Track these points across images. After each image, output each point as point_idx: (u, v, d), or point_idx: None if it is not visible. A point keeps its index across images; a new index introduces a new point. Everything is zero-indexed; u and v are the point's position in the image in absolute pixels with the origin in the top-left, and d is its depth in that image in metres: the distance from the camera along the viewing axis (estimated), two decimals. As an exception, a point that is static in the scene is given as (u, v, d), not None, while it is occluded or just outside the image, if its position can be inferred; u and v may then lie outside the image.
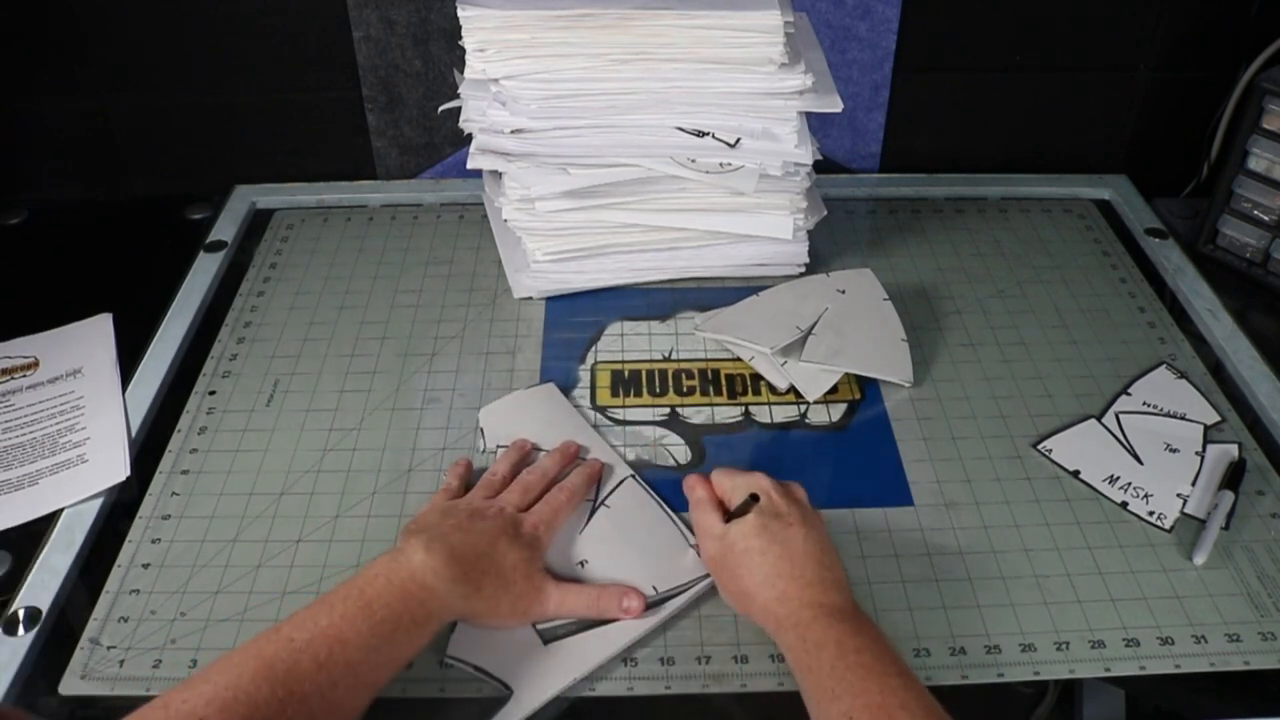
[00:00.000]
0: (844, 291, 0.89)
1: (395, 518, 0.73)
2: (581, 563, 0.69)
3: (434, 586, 0.60)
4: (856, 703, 0.54)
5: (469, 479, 0.74)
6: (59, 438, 0.79)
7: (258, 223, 1.05)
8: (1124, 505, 0.74)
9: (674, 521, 0.72)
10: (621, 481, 0.75)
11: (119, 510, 0.75)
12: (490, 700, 0.62)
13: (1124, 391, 0.83)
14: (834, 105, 0.84)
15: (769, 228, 0.91)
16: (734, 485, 0.68)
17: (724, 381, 0.85)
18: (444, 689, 0.63)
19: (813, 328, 0.85)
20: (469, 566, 0.62)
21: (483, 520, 0.66)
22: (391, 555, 0.61)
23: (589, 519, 0.72)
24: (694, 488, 0.70)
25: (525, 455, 0.76)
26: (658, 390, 0.84)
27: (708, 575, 0.67)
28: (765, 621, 0.62)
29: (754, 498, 0.66)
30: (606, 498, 0.74)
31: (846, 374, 0.84)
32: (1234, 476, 0.75)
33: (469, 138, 0.88)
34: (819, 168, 0.90)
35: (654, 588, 0.67)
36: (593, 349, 0.88)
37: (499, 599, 0.63)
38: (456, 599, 0.61)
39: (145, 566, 0.70)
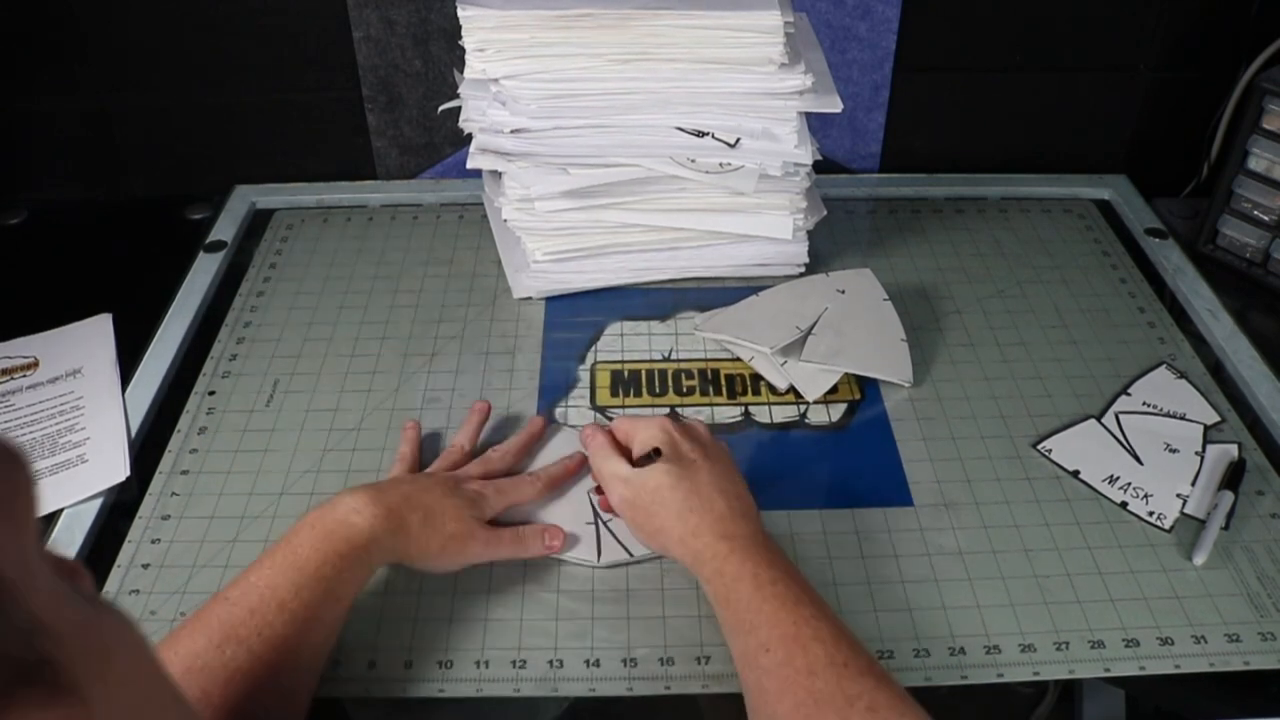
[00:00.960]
0: (844, 291, 0.89)
1: (395, 518, 0.73)
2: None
3: (357, 524, 0.61)
4: (773, 634, 0.57)
5: (419, 445, 0.77)
6: (59, 438, 0.79)
7: (258, 223, 1.05)
8: (1124, 505, 0.74)
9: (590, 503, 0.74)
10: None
11: (119, 510, 0.75)
12: (490, 700, 0.62)
13: (1124, 391, 0.83)
14: (834, 105, 0.84)
15: (769, 228, 0.91)
16: (635, 429, 0.70)
17: (724, 381, 0.85)
18: (444, 689, 0.63)
19: (812, 328, 0.85)
20: (395, 505, 0.63)
21: (426, 479, 0.69)
22: (328, 505, 0.63)
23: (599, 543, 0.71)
24: (593, 436, 0.71)
25: (484, 417, 0.78)
26: (658, 390, 0.84)
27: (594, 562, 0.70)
28: (682, 556, 0.64)
29: (657, 451, 0.67)
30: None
31: (846, 374, 0.84)
32: (1234, 477, 0.75)
33: (469, 138, 0.88)
34: (819, 168, 0.90)
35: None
36: (593, 349, 0.88)
37: (428, 538, 0.64)
38: (383, 534, 0.62)
39: (145, 567, 0.70)
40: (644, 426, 0.70)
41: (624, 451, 0.70)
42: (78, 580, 0.31)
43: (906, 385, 0.83)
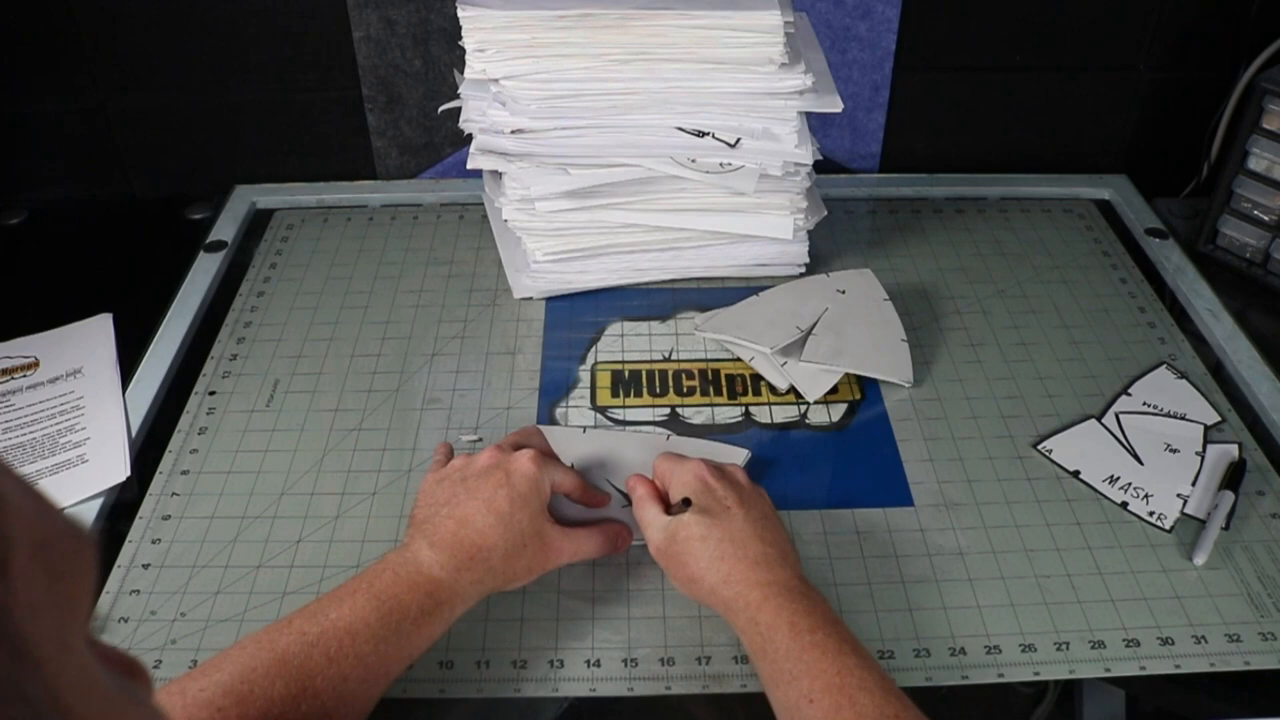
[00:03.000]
0: (844, 292, 0.89)
1: (396, 518, 0.73)
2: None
3: (441, 578, 0.59)
4: (815, 684, 0.55)
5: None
6: (59, 438, 0.79)
7: (258, 223, 1.05)
8: (1124, 505, 0.74)
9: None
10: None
11: (119, 510, 0.75)
12: (490, 700, 0.62)
13: (1124, 391, 0.83)
14: (834, 105, 0.84)
15: (769, 228, 0.91)
16: (670, 474, 0.68)
17: (724, 382, 0.85)
18: (444, 689, 0.63)
19: (813, 328, 0.85)
20: (474, 550, 0.60)
21: (478, 478, 0.64)
22: (399, 550, 0.61)
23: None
24: (635, 486, 0.69)
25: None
26: (658, 390, 0.84)
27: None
28: (715, 605, 0.62)
29: (686, 501, 0.65)
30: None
31: (847, 374, 0.84)
32: (1234, 477, 0.75)
33: (469, 138, 0.88)
34: (819, 168, 0.90)
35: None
36: (593, 349, 0.88)
37: (513, 568, 0.62)
38: (467, 586, 0.60)
39: (145, 567, 0.70)
40: (679, 472, 0.67)
41: (664, 496, 0.68)
42: (135, 677, 0.30)
43: (907, 385, 0.83)
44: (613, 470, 0.75)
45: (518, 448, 0.67)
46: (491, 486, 0.63)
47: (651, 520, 0.66)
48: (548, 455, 0.69)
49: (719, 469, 0.68)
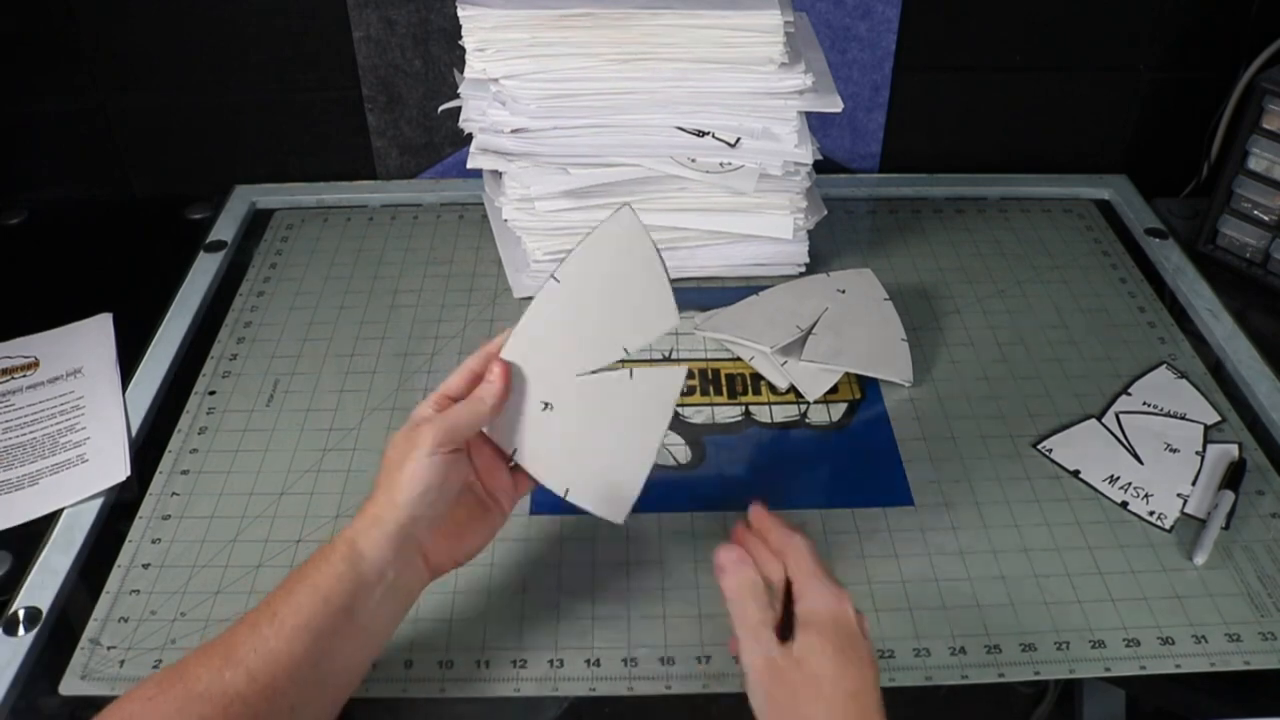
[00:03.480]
0: (844, 291, 0.89)
1: (395, 518, 0.73)
2: (546, 404, 0.61)
3: (344, 533, 0.56)
4: None
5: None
6: (59, 438, 0.79)
7: (258, 223, 1.05)
8: (1124, 505, 0.74)
9: (657, 447, 0.62)
10: (675, 367, 0.62)
11: (119, 510, 0.75)
12: (490, 701, 0.62)
13: (1124, 391, 0.83)
14: (834, 105, 0.84)
15: (769, 227, 0.91)
16: (807, 590, 0.56)
17: (724, 381, 0.85)
18: (444, 689, 0.63)
19: (813, 327, 0.85)
20: (395, 530, 0.56)
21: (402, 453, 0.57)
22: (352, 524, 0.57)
23: (603, 370, 0.61)
24: (730, 567, 0.57)
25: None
26: (658, 390, 0.84)
27: (619, 520, 0.61)
28: None
29: (788, 599, 0.55)
30: (641, 368, 0.61)
31: (846, 373, 0.84)
32: (1234, 476, 0.75)
33: (469, 137, 0.88)
34: (819, 168, 0.90)
35: (566, 490, 0.62)
36: (593, 349, 0.88)
37: (447, 549, 0.60)
38: (395, 563, 0.56)
39: (145, 567, 0.70)
40: (821, 597, 0.55)
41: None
42: None
43: (907, 385, 0.83)
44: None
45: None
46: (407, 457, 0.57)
47: (764, 645, 0.55)
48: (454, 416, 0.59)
49: (838, 591, 0.56)
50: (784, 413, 0.82)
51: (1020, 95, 1.08)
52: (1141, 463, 0.77)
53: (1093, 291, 0.94)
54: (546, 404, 0.61)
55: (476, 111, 0.86)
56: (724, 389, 0.84)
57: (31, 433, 0.79)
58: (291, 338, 0.89)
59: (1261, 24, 1.01)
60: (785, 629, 0.55)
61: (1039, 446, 0.79)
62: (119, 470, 0.76)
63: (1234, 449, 0.78)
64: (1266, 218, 0.95)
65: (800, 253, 0.94)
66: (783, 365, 0.84)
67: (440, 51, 1.02)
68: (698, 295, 0.93)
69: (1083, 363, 0.86)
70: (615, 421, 0.61)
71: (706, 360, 0.87)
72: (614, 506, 0.62)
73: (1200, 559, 0.70)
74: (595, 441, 0.62)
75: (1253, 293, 0.96)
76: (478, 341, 0.88)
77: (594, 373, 0.61)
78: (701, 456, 0.78)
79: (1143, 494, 0.75)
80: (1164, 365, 0.86)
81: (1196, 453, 0.78)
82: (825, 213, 0.93)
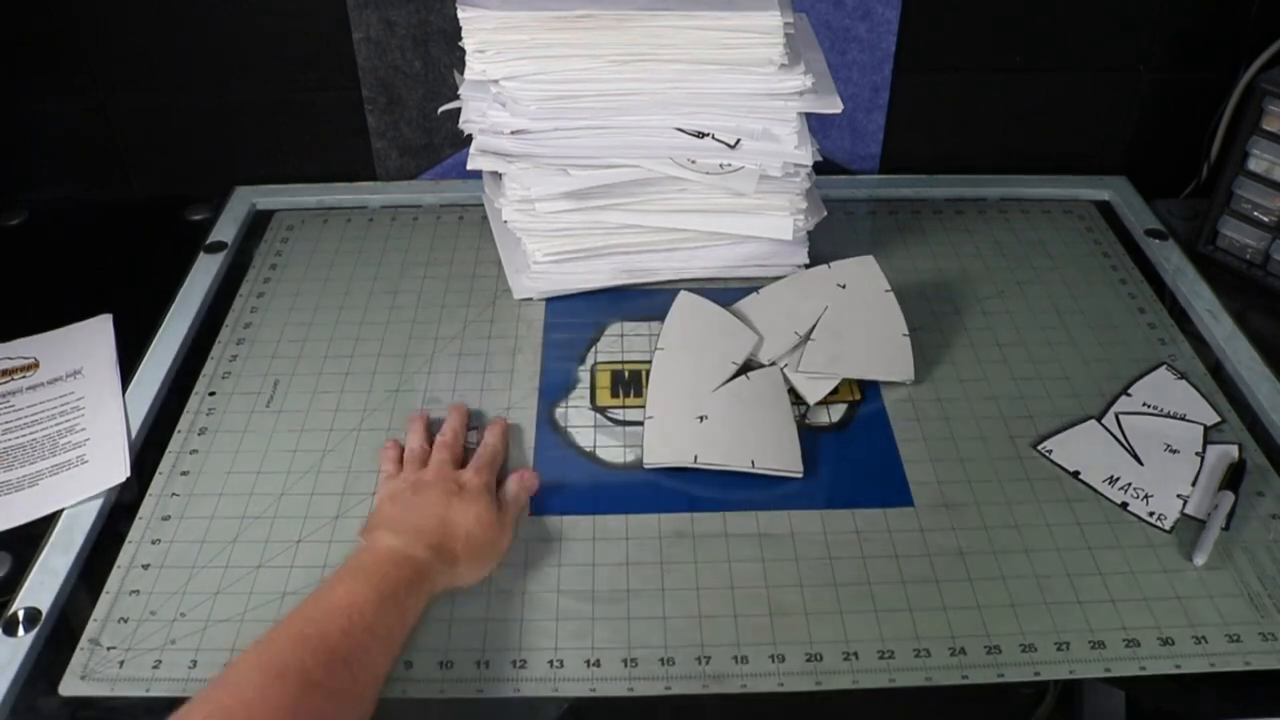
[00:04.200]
0: (845, 286, 0.89)
1: (395, 518, 0.73)
2: (701, 417, 0.78)
3: (417, 556, 0.63)
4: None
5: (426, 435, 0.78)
6: (59, 438, 0.79)
7: (258, 224, 1.05)
8: (1124, 506, 0.74)
9: (793, 419, 0.79)
10: (770, 365, 0.83)
11: (119, 511, 0.75)
12: (489, 701, 0.62)
13: (1124, 392, 0.83)
14: (834, 106, 0.84)
15: (769, 229, 0.91)
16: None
17: (724, 382, 0.85)
18: (444, 689, 0.63)
19: (811, 331, 0.85)
20: (439, 540, 0.65)
21: (428, 489, 0.69)
22: (366, 546, 0.65)
23: (727, 381, 0.81)
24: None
25: (427, 423, 0.79)
26: (658, 391, 0.84)
27: (799, 474, 0.75)
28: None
29: None
30: (752, 371, 0.82)
31: (846, 374, 0.84)
32: (1234, 477, 0.75)
33: (469, 139, 0.88)
34: (819, 169, 0.90)
35: (752, 461, 0.75)
36: (592, 350, 0.88)
37: (476, 562, 0.67)
38: (440, 569, 0.64)
39: (145, 567, 0.70)
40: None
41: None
42: None
43: (908, 383, 0.83)
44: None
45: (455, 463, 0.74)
46: (442, 493, 0.69)
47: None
48: (490, 462, 0.74)
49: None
50: (784, 413, 0.82)
51: (1020, 96, 1.08)
52: (1141, 463, 0.77)
53: (1093, 292, 0.94)
54: (702, 417, 0.78)
55: (476, 113, 0.86)
56: (724, 390, 0.84)
57: (31, 433, 0.79)
58: (291, 339, 0.89)
59: (1261, 25, 1.01)
60: None
61: (1039, 447, 0.79)
62: (119, 471, 0.76)
63: (1234, 450, 0.78)
64: (1266, 219, 0.95)
65: (800, 254, 0.94)
66: (782, 369, 0.84)
67: (440, 53, 1.02)
68: (698, 296, 0.93)
69: (1082, 364, 0.86)
70: (756, 407, 0.80)
71: (706, 361, 0.87)
72: (791, 462, 0.76)
73: (1200, 560, 0.70)
74: (751, 425, 0.78)
75: (1253, 294, 0.96)
76: (477, 343, 0.89)
77: (723, 384, 0.81)
78: (701, 457, 0.78)
79: (1143, 495, 0.75)
80: (1164, 366, 0.86)
81: (1196, 454, 0.78)
82: (825, 214, 0.93)
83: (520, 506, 0.73)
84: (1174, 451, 0.78)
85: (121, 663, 0.64)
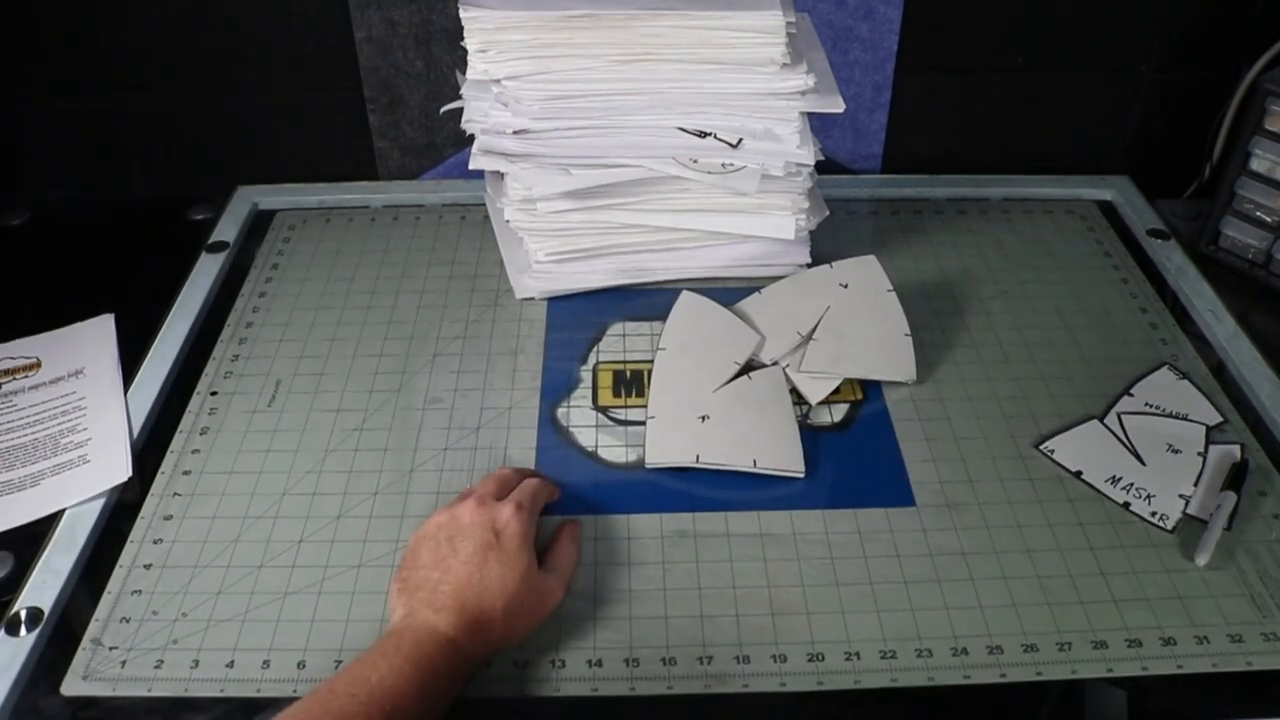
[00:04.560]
0: (847, 286, 0.89)
1: (397, 518, 0.73)
2: (703, 417, 0.78)
3: (456, 638, 0.60)
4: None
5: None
6: (61, 438, 0.79)
7: (259, 224, 1.05)
8: (1126, 506, 0.74)
9: (795, 419, 0.79)
10: (772, 365, 0.84)
11: (121, 511, 0.75)
12: (493, 700, 0.62)
13: (1126, 392, 0.83)
14: (836, 106, 0.84)
15: (771, 228, 0.91)
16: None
17: (726, 382, 0.85)
18: (446, 689, 0.63)
19: (813, 331, 0.85)
20: (478, 614, 0.61)
21: (463, 540, 0.64)
22: (405, 617, 0.61)
23: (729, 381, 0.81)
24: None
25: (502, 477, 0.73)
26: (659, 391, 0.84)
27: (801, 473, 0.75)
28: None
29: None
30: (754, 370, 0.83)
31: (848, 374, 0.84)
32: (1236, 477, 0.75)
33: (471, 139, 0.88)
34: (821, 168, 0.90)
35: (754, 461, 0.75)
36: (594, 349, 0.88)
37: (513, 627, 0.63)
38: (478, 646, 0.61)
39: (147, 567, 0.70)
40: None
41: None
42: None
43: (910, 383, 0.83)
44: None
45: (499, 494, 0.68)
46: (480, 549, 0.63)
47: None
48: (531, 500, 0.68)
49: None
50: (786, 413, 0.82)
51: (1022, 96, 1.08)
52: (1144, 463, 0.77)
53: (1095, 292, 0.94)
54: (704, 417, 0.78)
55: (478, 112, 0.86)
56: (726, 390, 0.84)
57: (33, 433, 0.79)
58: (293, 339, 0.89)
59: (1264, 24, 1.01)
60: None
61: (1041, 447, 0.79)
62: (121, 471, 0.76)
63: (1236, 450, 0.78)
64: (1269, 219, 0.95)
65: (802, 253, 0.94)
66: (784, 368, 0.84)
67: (442, 53, 1.02)
68: (699, 296, 0.93)
69: (1084, 363, 0.86)
70: (758, 407, 0.80)
71: (708, 361, 0.87)
72: (793, 462, 0.76)
73: (1202, 560, 0.70)
74: (753, 425, 0.78)
75: (1255, 294, 0.96)
76: (480, 342, 0.89)
77: (725, 384, 0.81)
78: (703, 457, 0.78)
79: (1145, 495, 0.75)
80: (1166, 366, 0.86)
81: (1199, 454, 0.78)
82: (827, 213, 0.93)
83: (572, 563, 0.69)
84: (1176, 451, 0.78)
85: (123, 663, 0.64)
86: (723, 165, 0.86)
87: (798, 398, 0.82)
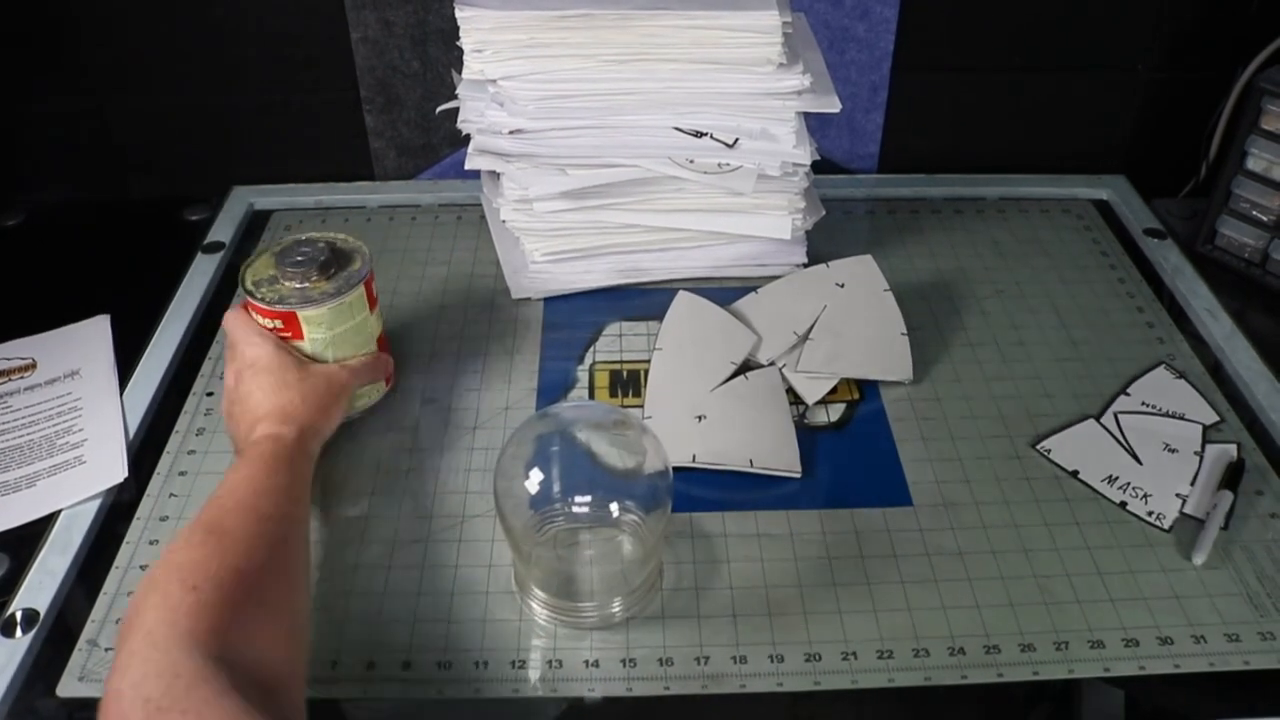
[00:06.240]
0: (843, 285, 0.89)
1: (394, 519, 0.73)
2: (700, 417, 0.78)
3: (279, 432, 0.68)
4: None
5: None
6: (57, 439, 0.79)
7: (256, 224, 1.05)
8: (1123, 505, 0.74)
9: (792, 419, 0.79)
10: (769, 365, 0.83)
11: (117, 512, 0.75)
12: (490, 701, 0.62)
13: (1123, 391, 0.83)
14: (832, 105, 0.84)
15: (767, 228, 0.91)
16: None
17: (723, 382, 0.85)
18: (442, 690, 0.63)
19: (810, 331, 0.85)
20: (278, 412, 0.70)
21: (236, 385, 0.73)
22: (236, 451, 0.71)
23: (725, 381, 0.81)
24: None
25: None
26: (656, 391, 0.84)
27: (798, 473, 0.75)
28: None
29: None
30: (750, 371, 0.82)
31: (845, 374, 0.84)
32: (1233, 476, 0.75)
33: (467, 138, 0.88)
34: (817, 168, 0.90)
35: (751, 461, 0.75)
36: (591, 349, 0.88)
37: (311, 404, 0.71)
38: (293, 429, 0.69)
39: (143, 568, 0.70)
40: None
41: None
42: None
43: (906, 382, 0.83)
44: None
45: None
46: (247, 381, 0.72)
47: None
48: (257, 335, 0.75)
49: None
50: (783, 413, 0.82)
51: (1018, 95, 1.08)
52: (1140, 463, 0.77)
53: (1091, 292, 0.94)
54: (700, 416, 0.78)
55: (474, 112, 0.86)
56: (722, 389, 0.84)
57: (29, 434, 0.79)
58: (289, 339, 0.89)
59: (1260, 24, 1.01)
60: None
61: (1038, 447, 0.79)
62: (117, 472, 0.76)
63: (1233, 449, 0.78)
64: (1265, 218, 0.95)
65: (799, 253, 0.94)
66: (781, 368, 0.84)
67: (438, 52, 1.02)
68: (696, 296, 0.93)
69: (1081, 363, 0.86)
70: (754, 407, 0.80)
71: (705, 361, 0.87)
72: (789, 462, 0.76)
73: (1199, 559, 0.70)
74: (750, 424, 0.79)
75: (1251, 293, 0.96)
76: (477, 343, 0.88)
77: (721, 384, 0.81)
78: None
79: (1141, 494, 0.75)
80: (1162, 365, 0.86)
81: (1195, 453, 0.78)
82: (824, 213, 0.93)
83: (364, 365, 0.77)
84: (1173, 451, 0.78)
85: (119, 664, 0.64)
86: (719, 165, 0.86)
87: (794, 397, 0.82)
